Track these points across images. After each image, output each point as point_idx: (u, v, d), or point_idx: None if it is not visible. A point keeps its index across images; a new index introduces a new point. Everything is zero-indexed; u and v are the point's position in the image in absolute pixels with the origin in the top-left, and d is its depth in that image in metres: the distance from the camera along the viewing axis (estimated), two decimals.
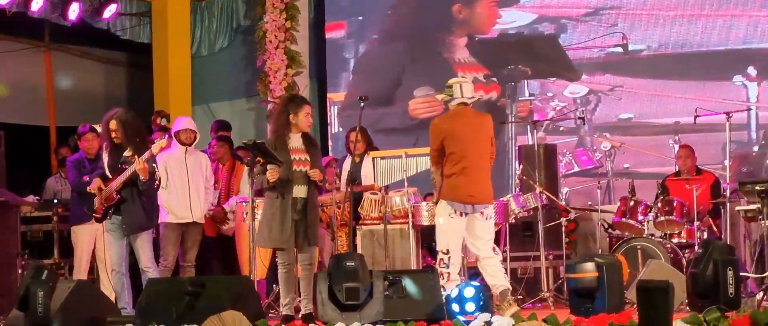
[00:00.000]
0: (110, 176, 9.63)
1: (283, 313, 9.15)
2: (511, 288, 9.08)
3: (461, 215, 8.92)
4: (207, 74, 15.66)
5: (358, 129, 10.88)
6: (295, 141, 9.24)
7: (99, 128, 10.50)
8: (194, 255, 10.77)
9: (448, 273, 8.87)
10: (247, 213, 10.54)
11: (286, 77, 14.64)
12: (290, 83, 14.63)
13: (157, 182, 9.82)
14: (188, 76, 15.58)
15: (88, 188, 9.76)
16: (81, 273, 11.01)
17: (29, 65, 15.62)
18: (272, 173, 9.05)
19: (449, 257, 8.91)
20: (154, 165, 9.74)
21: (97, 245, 10.85)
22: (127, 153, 9.65)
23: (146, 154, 9.51)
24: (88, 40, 16.06)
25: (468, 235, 9.03)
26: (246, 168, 9.90)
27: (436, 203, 9.12)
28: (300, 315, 9.08)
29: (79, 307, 8.45)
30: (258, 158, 9.18)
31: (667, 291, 5.84)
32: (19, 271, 11.02)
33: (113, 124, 9.67)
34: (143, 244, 9.61)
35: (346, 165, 11.42)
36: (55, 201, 11.83)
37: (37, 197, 12.22)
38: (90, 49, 16.36)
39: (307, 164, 9.13)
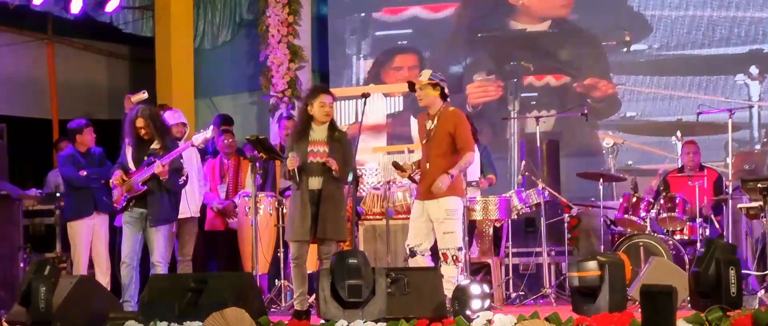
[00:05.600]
0: (133, 169, 9.58)
1: (296, 308, 9.08)
2: None
3: None
4: (210, 68, 15.64)
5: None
6: (319, 133, 9.05)
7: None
8: (191, 250, 10.79)
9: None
10: (249, 209, 10.53)
11: (289, 71, 14.61)
12: (293, 77, 14.62)
13: (183, 178, 9.75)
14: (191, 69, 15.55)
15: (111, 180, 9.67)
16: (80, 268, 10.93)
17: (32, 58, 15.61)
18: (291, 161, 8.92)
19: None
20: (180, 160, 9.71)
21: (93, 239, 10.85)
22: (154, 145, 9.60)
23: (184, 145, 9.61)
24: (91, 33, 16.04)
25: None
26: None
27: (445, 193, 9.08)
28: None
29: (81, 303, 8.47)
30: (260, 153, 9.15)
31: (670, 296, 5.83)
32: (22, 265, 11.03)
33: (140, 122, 9.61)
34: (161, 239, 9.56)
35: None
36: (58, 194, 11.81)
37: (40, 190, 12.21)
38: (93, 42, 16.35)
39: (324, 156, 8.95)
